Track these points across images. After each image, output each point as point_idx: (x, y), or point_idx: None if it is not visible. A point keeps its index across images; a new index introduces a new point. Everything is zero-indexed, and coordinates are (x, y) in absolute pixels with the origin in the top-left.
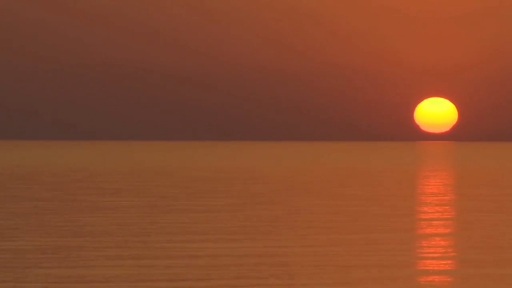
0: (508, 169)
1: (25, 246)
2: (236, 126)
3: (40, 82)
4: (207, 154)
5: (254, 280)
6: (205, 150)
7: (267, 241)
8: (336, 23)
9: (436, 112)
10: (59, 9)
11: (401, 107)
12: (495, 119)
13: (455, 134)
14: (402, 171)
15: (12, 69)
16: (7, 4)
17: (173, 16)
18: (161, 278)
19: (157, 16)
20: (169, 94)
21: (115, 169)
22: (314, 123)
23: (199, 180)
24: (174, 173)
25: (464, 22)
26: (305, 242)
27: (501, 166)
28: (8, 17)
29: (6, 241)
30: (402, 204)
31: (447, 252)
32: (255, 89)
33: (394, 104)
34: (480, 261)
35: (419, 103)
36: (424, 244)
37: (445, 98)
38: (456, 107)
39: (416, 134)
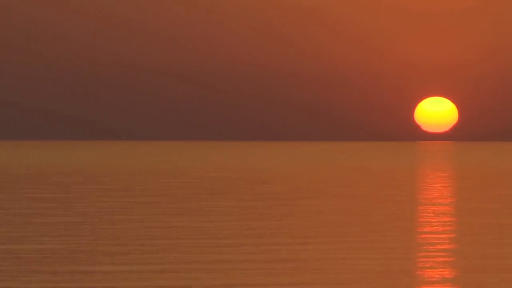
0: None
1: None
2: (234, 126)
3: (52, 81)
4: (211, 154)
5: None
6: (206, 151)
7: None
8: (335, 21)
9: (436, 112)
10: (58, 8)
11: (401, 107)
12: (495, 118)
13: (455, 134)
14: (411, 171)
15: (16, 68)
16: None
17: (183, 17)
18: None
19: (167, 17)
20: (173, 93)
21: (149, 170)
22: (313, 123)
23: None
24: (212, 175)
25: (464, 20)
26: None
27: (504, 166)
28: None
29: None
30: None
31: (448, 255)
32: (255, 89)
33: (394, 104)
34: (482, 265)
35: (419, 102)
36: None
37: (445, 97)
38: (457, 107)
39: (416, 134)
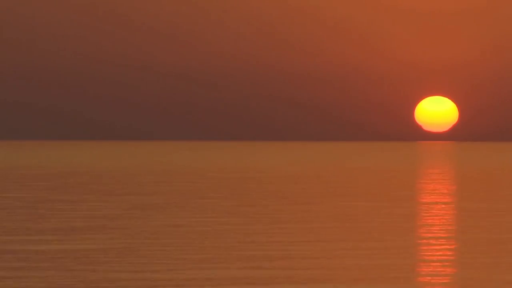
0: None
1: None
2: (233, 127)
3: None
4: (214, 154)
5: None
6: (209, 151)
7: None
8: (335, 21)
9: (436, 111)
10: (57, 6)
11: (401, 106)
12: (496, 118)
13: (455, 134)
14: (419, 171)
15: (20, 68)
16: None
17: (184, 16)
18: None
19: (167, 17)
20: (178, 93)
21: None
22: (313, 123)
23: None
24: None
25: (465, 19)
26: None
27: (508, 166)
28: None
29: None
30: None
31: (449, 255)
32: (254, 88)
33: (394, 103)
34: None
35: (419, 102)
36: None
37: (445, 97)
38: (457, 106)
39: (417, 134)
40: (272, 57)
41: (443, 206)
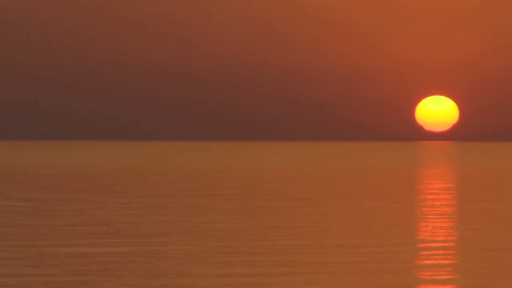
0: None
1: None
2: (232, 127)
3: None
4: (219, 154)
5: None
6: (213, 151)
7: None
8: (335, 20)
9: (437, 111)
10: (57, 5)
11: (402, 106)
12: (497, 118)
13: (456, 134)
14: (427, 171)
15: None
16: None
17: (185, 16)
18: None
19: (167, 16)
20: (183, 93)
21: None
22: (312, 122)
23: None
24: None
25: (465, 18)
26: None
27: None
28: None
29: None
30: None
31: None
32: (255, 88)
33: (394, 103)
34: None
35: (419, 102)
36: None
37: (446, 96)
38: (457, 106)
39: (417, 134)
40: (272, 56)
41: (452, 206)
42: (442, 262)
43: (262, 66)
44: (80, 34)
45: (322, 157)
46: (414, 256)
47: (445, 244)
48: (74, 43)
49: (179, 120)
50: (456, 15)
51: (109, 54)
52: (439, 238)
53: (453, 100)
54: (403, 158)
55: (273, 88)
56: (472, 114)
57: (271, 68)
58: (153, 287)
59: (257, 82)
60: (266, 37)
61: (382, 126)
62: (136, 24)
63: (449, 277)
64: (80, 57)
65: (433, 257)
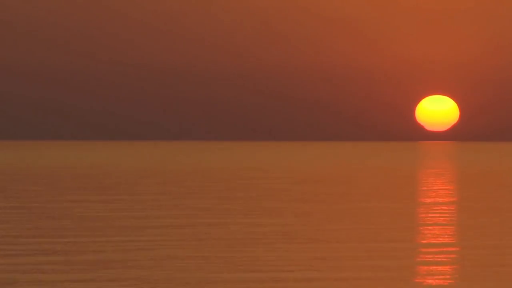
0: None
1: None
2: (230, 127)
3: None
4: (224, 154)
5: None
6: (217, 150)
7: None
8: (335, 19)
9: (437, 111)
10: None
11: (402, 106)
12: (497, 117)
13: (456, 134)
14: (434, 171)
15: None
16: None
17: (187, 16)
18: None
19: (167, 15)
20: (186, 93)
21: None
22: (311, 122)
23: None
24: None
25: (464, 17)
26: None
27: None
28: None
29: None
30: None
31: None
32: (254, 87)
33: (394, 103)
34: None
35: (419, 101)
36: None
37: (446, 96)
38: (458, 105)
39: (417, 134)
40: (272, 56)
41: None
42: (443, 262)
43: (262, 66)
44: (80, 33)
45: (329, 158)
46: (414, 256)
47: (446, 248)
48: (76, 42)
49: (179, 120)
50: (456, 14)
51: (115, 54)
52: (441, 240)
53: (453, 99)
54: (405, 158)
55: (272, 88)
56: (473, 114)
57: (271, 67)
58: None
59: (257, 82)
60: (266, 36)
61: (382, 126)
62: (136, 23)
63: (450, 278)
64: (90, 58)
65: (434, 257)
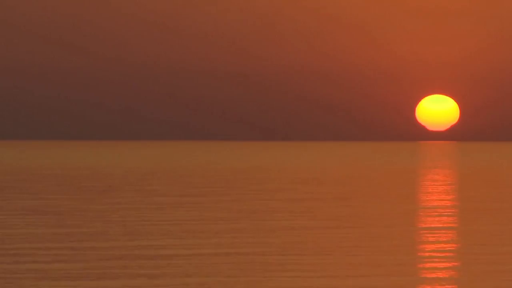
0: None
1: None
2: (231, 126)
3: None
4: (228, 154)
5: None
6: (221, 150)
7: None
8: (333, 18)
9: (437, 110)
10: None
11: (402, 105)
12: (498, 117)
13: (457, 133)
14: (441, 171)
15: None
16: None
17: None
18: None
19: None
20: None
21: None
22: (311, 122)
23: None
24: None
25: (464, 17)
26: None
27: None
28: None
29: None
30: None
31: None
32: (254, 87)
33: (395, 103)
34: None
35: (419, 101)
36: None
37: (446, 95)
38: (458, 105)
39: (417, 134)
40: (271, 55)
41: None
42: (444, 264)
43: (261, 66)
44: (82, 31)
45: (333, 158)
46: (413, 256)
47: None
48: (81, 41)
49: (179, 120)
50: (456, 13)
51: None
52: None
53: (453, 99)
54: (406, 159)
55: (271, 87)
56: (473, 114)
57: (270, 67)
58: None
59: (257, 82)
60: (266, 36)
61: (382, 126)
62: (136, 22)
63: (450, 278)
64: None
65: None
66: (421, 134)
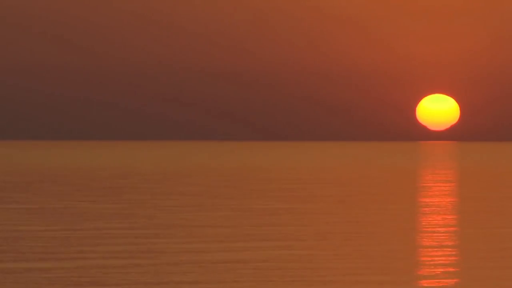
0: None
1: None
2: (232, 126)
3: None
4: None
5: None
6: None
7: None
8: (333, 18)
9: (438, 110)
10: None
11: (402, 105)
12: (498, 117)
13: (457, 133)
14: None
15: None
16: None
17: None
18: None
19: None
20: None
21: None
22: (311, 122)
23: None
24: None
25: (464, 16)
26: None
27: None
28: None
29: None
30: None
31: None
32: (255, 88)
33: (394, 102)
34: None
35: (420, 100)
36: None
37: (447, 95)
38: (458, 104)
39: (418, 134)
40: (271, 55)
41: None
42: (445, 263)
43: (261, 66)
44: (83, 30)
45: (337, 158)
46: (414, 256)
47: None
48: (87, 40)
49: (179, 120)
50: (456, 12)
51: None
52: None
53: (454, 99)
54: (408, 159)
55: (271, 87)
56: (474, 113)
57: (270, 67)
58: None
59: (257, 81)
60: (266, 36)
61: (382, 125)
62: (137, 22)
63: (451, 278)
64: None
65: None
66: (422, 134)
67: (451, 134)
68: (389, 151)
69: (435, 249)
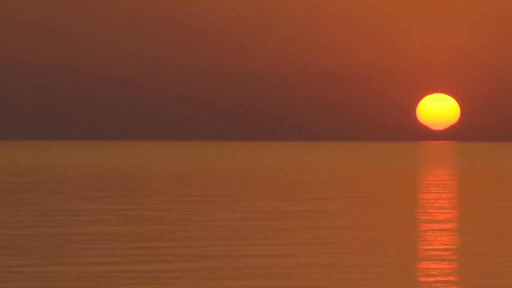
0: None
1: None
2: (232, 126)
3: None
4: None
5: None
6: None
7: None
8: (333, 17)
9: (438, 110)
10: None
11: (402, 105)
12: (499, 117)
13: (457, 133)
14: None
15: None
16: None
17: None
18: None
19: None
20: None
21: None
22: (311, 123)
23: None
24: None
25: (463, 16)
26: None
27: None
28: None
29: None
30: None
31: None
32: (256, 87)
33: (395, 102)
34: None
35: (420, 100)
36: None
37: (447, 94)
38: (459, 104)
39: (418, 133)
40: (270, 55)
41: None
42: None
43: (261, 65)
44: (87, 30)
45: (340, 158)
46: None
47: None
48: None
49: (180, 120)
50: (456, 12)
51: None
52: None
53: (454, 98)
54: (408, 159)
55: (272, 87)
56: (474, 113)
57: (270, 67)
58: None
59: (257, 81)
60: (266, 35)
61: (382, 125)
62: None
63: (451, 278)
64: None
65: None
66: (422, 133)
67: (451, 133)
68: (389, 151)
69: (435, 250)
